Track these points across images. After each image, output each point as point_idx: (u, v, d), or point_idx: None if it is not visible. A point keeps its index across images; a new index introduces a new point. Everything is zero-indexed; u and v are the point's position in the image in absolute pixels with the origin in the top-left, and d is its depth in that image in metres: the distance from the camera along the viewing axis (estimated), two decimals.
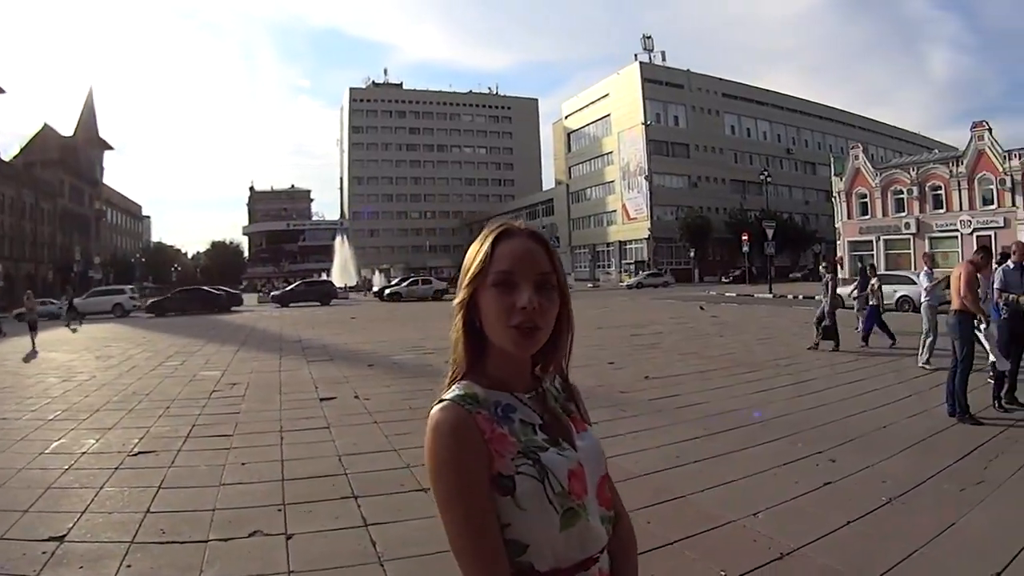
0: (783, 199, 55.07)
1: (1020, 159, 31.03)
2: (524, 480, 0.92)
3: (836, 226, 40.04)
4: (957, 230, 33.00)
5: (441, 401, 0.96)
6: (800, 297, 25.73)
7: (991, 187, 32.15)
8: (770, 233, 32.23)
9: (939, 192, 34.15)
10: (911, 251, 34.00)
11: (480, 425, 0.93)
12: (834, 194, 40.11)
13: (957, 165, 33.25)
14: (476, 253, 0.99)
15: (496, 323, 0.95)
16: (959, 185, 33.02)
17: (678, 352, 10.48)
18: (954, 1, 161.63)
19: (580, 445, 1.01)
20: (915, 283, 13.14)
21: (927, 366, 8.12)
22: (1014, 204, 31.29)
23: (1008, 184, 31.26)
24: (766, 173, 40.23)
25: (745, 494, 3.80)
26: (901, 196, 35.74)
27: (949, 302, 6.63)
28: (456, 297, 1.00)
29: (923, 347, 8.38)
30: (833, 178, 40.23)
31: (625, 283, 44.22)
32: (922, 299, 8.89)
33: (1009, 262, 6.48)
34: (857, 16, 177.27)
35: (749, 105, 61.22)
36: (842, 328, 10.49)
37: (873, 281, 10.83)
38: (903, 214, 35.52)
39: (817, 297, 11.78)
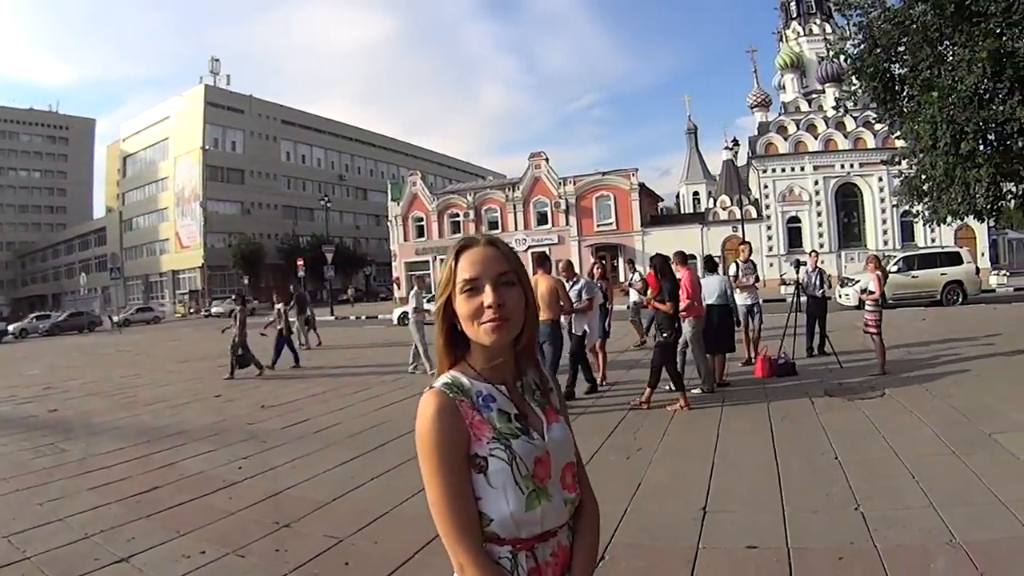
0: (335, 224, 68.84)
1: (574, 184, 47.82)
2: (495, 462, 1.43)
3: (392, 248, 54.51)
4: (512, 248, 44.89)
5: (431, 388, 1.49)
6: (364, 317, 36.58)
7: (546, 209, 48.72)
8: (330, 257, 42.52)
9: (495, 214, 50.23)
10: None
11: (463, 411, 1.45)
12: (390, 218, 54.83)
13: (513, 190, 49.38)
14: (445, 267, 1.53)
15: (469, 323, 1.48)
16: (515, 208, 49.32)
17: (278, 379, 13.61)
18: (514, 45, 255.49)
19: (550, 436, 1.54)
20: None
21: (415, 371, 12.43)
22: (567, 223, 48.00)
23: (563, 206, 47.93)
24: (326, 199, 52.92)
25: None
26: (457, 219, 51.22)
27: None
28: (434, 306, 1.56)
29: (412, 356, 12.71)
30: (390, 203, 54.92)
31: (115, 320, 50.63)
32: (410, 315, 13.05)
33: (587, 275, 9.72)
34: (418, 51, 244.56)
35: (306, 132, 79.96)
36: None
37: (279, 307, 15.22)
38: (459, 235, 45.71)
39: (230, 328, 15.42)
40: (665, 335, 8.49)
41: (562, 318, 9.18)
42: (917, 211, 13.84)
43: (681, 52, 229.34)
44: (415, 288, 13.47)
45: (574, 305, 9.22)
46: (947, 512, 4.42)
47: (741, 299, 11.63)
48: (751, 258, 12.39)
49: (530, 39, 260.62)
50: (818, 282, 12.19)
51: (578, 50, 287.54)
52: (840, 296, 21.55)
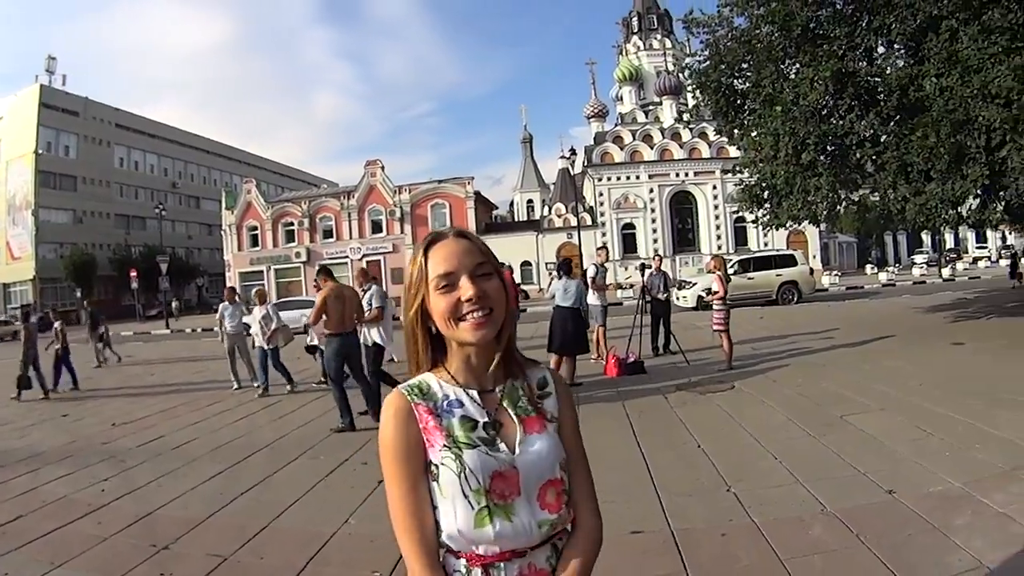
0: (167, 233, 66.31)
1: (410, 192, 49.47)
2: (445, 471, 1.38)
3: (226, 258, 54.28)
4: (347, 256, 48.67)
5: (395, 389, 1.49)
6: (199, 330, 35.95)
7: (381, 217, 49.88)
8: (164, 268, 43.26)
9: (330, 223, 51.26)
10: (302, 279, 48.79)
11: (418, 414, 1.43)
12: (224, 227, 54.60)
13: (348, 198, 50.73)
14: (413, 266, 1.48)
15: (447, 321, 1.42)
16: (350, 216, 50.29)
17: (125, 396, 13.09)
18: (351, 53, 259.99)
19: (523, 449, 1.44)
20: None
21: (237, 389, 12.39)
22: (402, 231, 49.09)
23: (398, 214, 49.24)
24: (161, 208, 52.09)
25: (327, 505, 5.48)
26: (292, 228, 52.06)
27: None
28: (407, 310, 1.49)
29: (252, 373, 12.59)
30: (224, 212, 54.42)
31: None
32: (226, 328, 12.84)
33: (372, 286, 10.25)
34: (256, 56, 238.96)
35: (140, 137, 78.03)
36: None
37: (57, 325, 14.58)
38: (294, 244, 51.63)
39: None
40: None
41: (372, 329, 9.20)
42: (756, 216, 14.94)
43: (517, 62, 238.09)
44: (224, 302, 13.12)
45: (364, 315, 9.09)
46: (814, 486, 4.83)
47: (598, 300, 12.15)
48: (605, 263, 12.92)
49: (367, 46, 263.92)
50: (662, 285, 12.92)
51: (413, 58, 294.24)
52: (678, 299, 22.90)
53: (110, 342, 19.76)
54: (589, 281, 12.15)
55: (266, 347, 11.58)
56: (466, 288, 1.39)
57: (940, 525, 3.98)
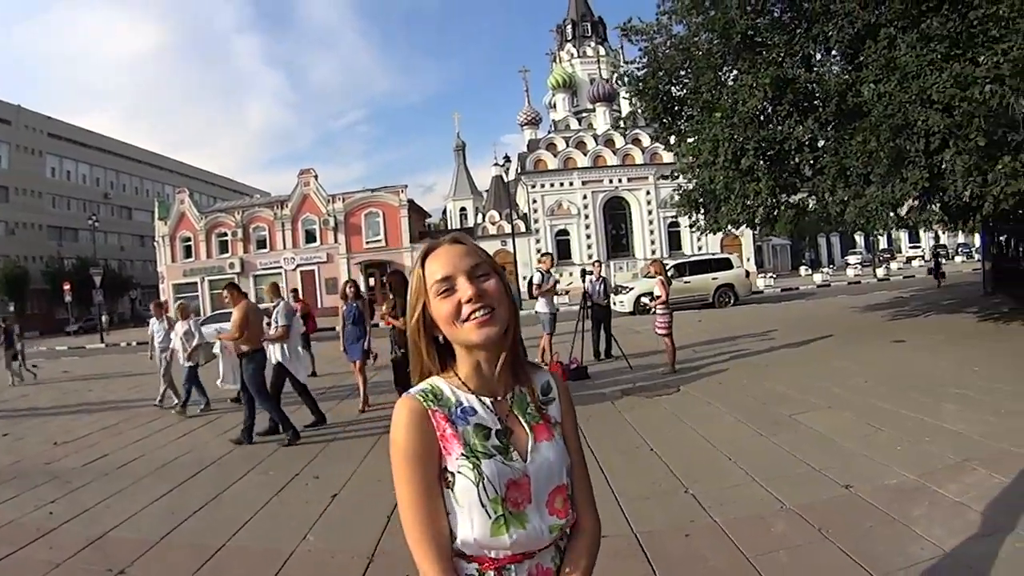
0: (99, 245, 65.41)
1: (343, 201, 49.70)
2: (462, 480, 1.39)
3: (160, 270, 54.62)
4: (281, 267, 49.31)
5: (407, 393, 1.48)
6: (134, 344, 34.11)
7: (315, 227, 50.00)
8: (98, 280, 42.65)
9: (263, 233, 51.37)
10: None
11: (435, 421, 1.42)
12: (158, 238, 54.52)
13: (282, 208, 50.91)
14: (413, 277, 1.51)
15: (452, 325, 1.44)
16: (283, 226, 50.56)
17: (66, 413, 12.75)
18: (282, 60, 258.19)
19: (533, 457, 1.46)
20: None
21: (159, 404, 12.16)
22: (336, 241, 49.47)
23: (331, 224, 49.29)
24: (95, 219, 51.22)
25: (283, 521, 5.42)
26: (226, 238, 51.94)
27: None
28: (409, 319, 1.52)
29: (165, 392, 12.39)
30: (157, 222, 54.35)
31: None
32: (156, 344, 12.59)
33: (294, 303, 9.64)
34: (188, 64, 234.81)
35: (72, 146, 77.29)
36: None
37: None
38: (228, 255, 51.55)
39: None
40: (402, 351, 8.50)
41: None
42: (695, 221, 15.19)
43: (450, 71, 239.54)
44: (153, 318, 12.90)
45: (268, 332, 8.90)
46: (771, 485, 4.93)
47: (546, 307, 12.21)
48: (550, 269, 12.98)
49: (298, 54, 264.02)
50: (602, 291, 13.06)
51: (345, 67, 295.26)
52: (616, 304, 23.20)
53: (24, 359, 19.08)
54: (535, 288, 12.16)
55: (184, 364, 11.24)
56: (465, 289, 1.42)
57: (899, 516, 4.12)
